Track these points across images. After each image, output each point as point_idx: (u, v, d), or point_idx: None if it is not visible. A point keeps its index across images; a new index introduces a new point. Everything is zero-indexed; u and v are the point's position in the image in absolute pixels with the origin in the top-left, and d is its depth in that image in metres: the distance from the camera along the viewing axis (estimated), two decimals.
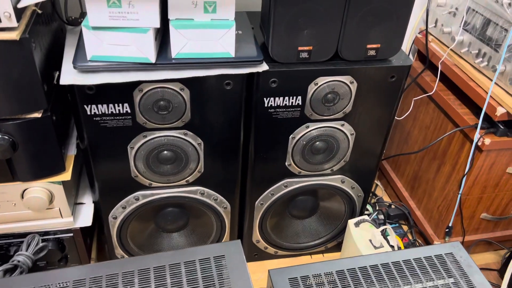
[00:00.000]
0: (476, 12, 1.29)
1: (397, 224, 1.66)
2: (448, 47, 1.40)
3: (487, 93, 1.23)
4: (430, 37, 1.49)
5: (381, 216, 1.65)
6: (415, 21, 1.57)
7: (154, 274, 0.84)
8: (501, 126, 1.25)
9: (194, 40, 0.97)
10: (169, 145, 1.12)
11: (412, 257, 0.97)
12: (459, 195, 1.37)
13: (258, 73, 1.06)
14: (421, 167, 1.58)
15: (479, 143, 1.26)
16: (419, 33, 1.56)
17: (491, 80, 1.24)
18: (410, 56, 1.62)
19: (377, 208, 1.70)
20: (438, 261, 0.97)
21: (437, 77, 1.44)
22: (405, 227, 1.66)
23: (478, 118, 1.26)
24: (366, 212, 1.60)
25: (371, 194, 1.76)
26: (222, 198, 1.28)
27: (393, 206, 1.70)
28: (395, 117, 1.28)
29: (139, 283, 0.82)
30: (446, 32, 1.41)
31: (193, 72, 1.00)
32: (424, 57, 1.49)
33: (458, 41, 1.36)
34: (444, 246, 1.01)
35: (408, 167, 1.67)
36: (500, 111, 1.20)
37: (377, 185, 1.85)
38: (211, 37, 0.97)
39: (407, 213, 1.65)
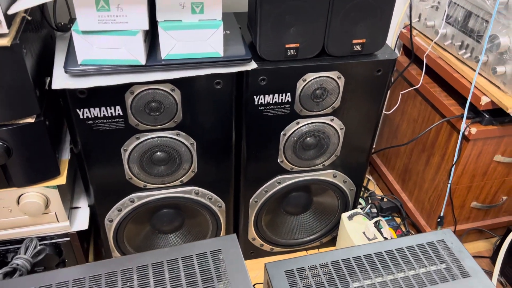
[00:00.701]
0: (458, 5, 1.32)
1: (390, 217, 1.68)
2: (432, 40, 1.43)
3: (471, 83, 1.26)
4: (414, 31, 1.52)
5: (374, 210, 1.67)
6: (399, 16, 1.60)
7: (153, 270, 0.85)
8: (486, 115, 1.28)
9: (183, 41, 0.99)
10: (162, 146, 1.13)
11: (404, 245, 0.99)
12: (449, 185, 1.39)
13: (247, 71, 1.08)
14: (411, 160, 1.61)
15: (466, 133, 1.28)
16: (403, 28, 1.59)
17: (475, 70, 1.27)
18: (396, 51, 1.64)
19: (370, 201, 1.72)
20: (430, 248, 0.99)
21: (422, 70, 1.46)
22: (398, 220, 1.68)
23: (464, 109, 1.29)
24: (359, 206, 1.62)
25: (363, 189, 1.78)
26: (216, 197, 1.30)
27: (385, 199, 1.72)
28: (384, 112, 1.30)
29: (138, 280, 0.83)
30: (430, 25, 1.44)
31: (183, 73, 1.01)
32: (410, 51, 1.52)
33: (441, 34, 1.39)
34: (435, 233, 1.03)
35: (398, 160, 1.69)
36: (484, 100, 1.23)
37: (369, 179, 1.87)
38: (200, 37, 0.99)
39: (399, 206, 1.67)
